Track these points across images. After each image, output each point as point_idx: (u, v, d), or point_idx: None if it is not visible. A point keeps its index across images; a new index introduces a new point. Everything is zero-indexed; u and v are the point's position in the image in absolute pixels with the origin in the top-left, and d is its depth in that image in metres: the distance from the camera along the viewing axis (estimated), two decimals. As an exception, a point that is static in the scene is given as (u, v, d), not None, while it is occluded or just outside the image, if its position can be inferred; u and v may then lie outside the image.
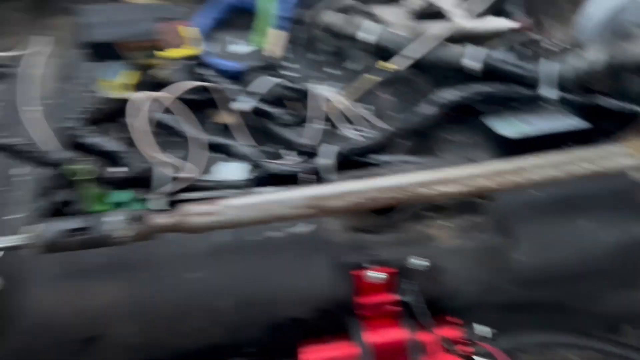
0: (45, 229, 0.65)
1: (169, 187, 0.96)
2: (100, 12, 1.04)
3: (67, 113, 1.20)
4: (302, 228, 0.75)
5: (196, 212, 0.66)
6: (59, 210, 0.87)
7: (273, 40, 1.23)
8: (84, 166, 0.85)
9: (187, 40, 1.04)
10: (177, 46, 1.04)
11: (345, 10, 1.24)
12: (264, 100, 1.13)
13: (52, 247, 0.65)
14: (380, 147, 1.03)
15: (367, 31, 1.16)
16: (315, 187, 0.72)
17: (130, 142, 1.00)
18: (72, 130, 0.95)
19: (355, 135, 1.10)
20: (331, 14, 1.24)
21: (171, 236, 0.69)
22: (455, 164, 0.73)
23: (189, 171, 1.00)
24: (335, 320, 0.74)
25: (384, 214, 0.79)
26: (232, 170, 1.14)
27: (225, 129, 1.16)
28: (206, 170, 1.03)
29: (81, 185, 0.86)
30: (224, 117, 1.17)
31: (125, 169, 0.92)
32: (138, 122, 0.98)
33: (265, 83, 1.14)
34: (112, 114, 1.09)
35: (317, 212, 0.68)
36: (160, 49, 1.06)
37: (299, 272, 0.73)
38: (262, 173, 1.02)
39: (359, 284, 0.72)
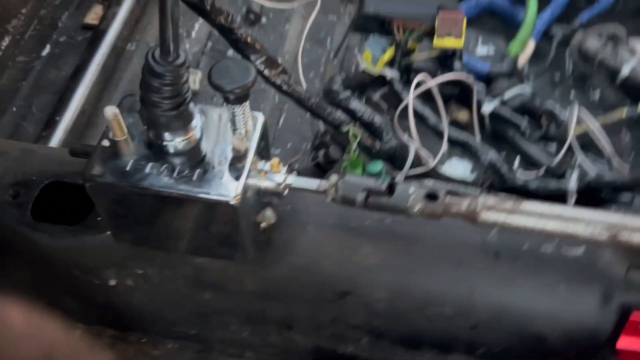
0: (345, 182, 0.67)
1: (411, 171, 0.98)
2: (383, -16, 1.06)
3: (326, 74, 1.25)
4: (574, 250, 0.73)
5: (493, 207, 0.66)
6: (320, 165, 0.91)
7: (523, 50, 1.21)
8: (355, 130, 0.88)
9: (460, 32, 1.04)
10: (448, 36, 1.04)
11: (609, 37, 1.19)
12: (507, 106, 1.11)
13: (347, 200, 0.68)
14: (632, 186, 0.98)
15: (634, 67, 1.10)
16: (614, 213, 0.69)
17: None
18: (337, 92, 0.98)
19: (598, 167, 1.05)
20: (592, 38, 1.19)
21: (447, 220, 0.70)
22: None
23: (426, 159, 1.00)
24: (586, 353, 0.72)
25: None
26: (458, 168, 1.14)
27: (462, 127, 1.16)
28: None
29: (348, 148, 0.89)
30: (464, 115, 1.17)
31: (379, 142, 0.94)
32: (405, 101, 0.99)
33: (513, 90, 1.12)
34: (364, 87, 1.12)
35: (612, 240, 0.66)
36: (431, 35, 1.07)
37: (563, 294, 0.72)
38: (503, 182, 1.00)
39: (630, 327, 0.69)
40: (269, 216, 0.74)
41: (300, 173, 0.97)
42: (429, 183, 1.03)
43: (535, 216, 0.65)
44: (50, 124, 1.11)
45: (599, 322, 0.72)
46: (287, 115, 1.17)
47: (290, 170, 0.99)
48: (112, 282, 0.81)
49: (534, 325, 0.73)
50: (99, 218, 0.75)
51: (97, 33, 1.25)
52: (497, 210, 0.66)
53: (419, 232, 0.74)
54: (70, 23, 1.34)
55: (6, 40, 1.30)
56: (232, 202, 0.61)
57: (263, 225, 0.74)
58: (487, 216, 0.66)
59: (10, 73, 1.26)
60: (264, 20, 1.36)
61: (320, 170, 0.91)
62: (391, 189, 0.67)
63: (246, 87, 0.59)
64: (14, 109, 1.21)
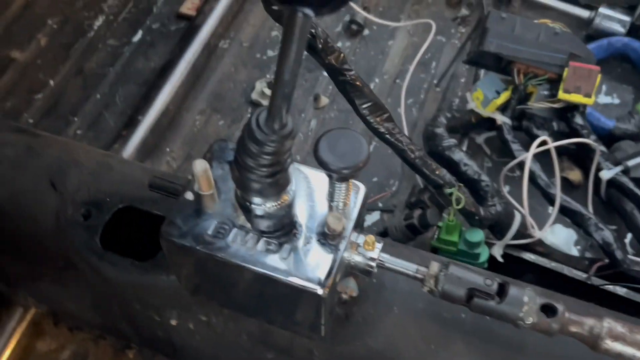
0: (447, 275, 0.58)
1: (512, 240, 0.87)
2: (509, 22, 0.94)
3: (426, 106, 1.15)
4: None
5: (621, 337, 0.55)
6: (414, 226, 0.81)
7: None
8: (459, 193, 0.78)
9: (591, 89, 0.90)
10: (576, 91, 0.91)
11: None
12: (629, 176, 0.98)
13: (448, 297, 0.58)
14: None
15: None
16: None
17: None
18: (441, 137, 0.88)
19: None
20: None
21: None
22: None
23: (532, 228, 0.89)
24: None
25: None
26: (561, 236, 1.02)
27: (571, 186, 1.03)
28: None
29: (447, 211, 0.79)
30: (576, 175, 1.04)
31: (482, 205, 0.84)
32: (518, 159, 0.88)
33: (639, 158, 0.98)
34: (468, 127, 1.01)
35: None
36: (555, 82, 0.94)
37: None
38: (612, 265, 0.88)
39: None
40: (351, 288, 0.66)
41: (389, 230, 0.88)
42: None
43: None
44: (131, 122, 1.06)
45: None
46: (377, 145, 1.08)
47: (373, 204, 0.90)
48: (174, 322, 0.76)
49: None
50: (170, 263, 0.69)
51: (191, 27, 1.19)
52: (626, 343, 0.55)
53: (526, 341, 0.64)
54: (165, 10, 1.28)
55: (99, 20, 1.26)
56: (319, 292, 0.53)
57: (344, 297, 0.66)
58: (612, 347, 0.55)
59: (100, 56, 1.22)
60: (366, 31, 1.26)
61: (413, 231, 0.82)
62: (502, 291, 0.58)
63: (357, 168, 0.50)
64: (98, 96, 1.18)
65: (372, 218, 1.01)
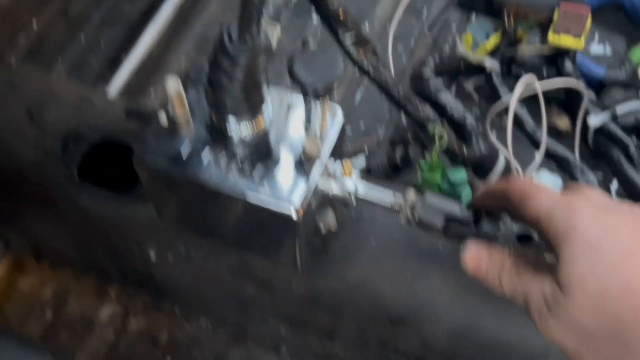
0: (424, 204, 0.57)
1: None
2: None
3: (416, 53, 1.13)
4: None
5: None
6: (395, 164, 0.81)
7: (648, 59, 1.04)
8: (442, 130, 0.77)
9: (581, 31, 0.89)
10: (566, 33, 0.90)
11: None
12: (617, 123, 0.97)
13: (424, 226, 0.58)
14: None
15: None
16: None
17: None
18: (427, 80, 0.87)
19: None
20: None
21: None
22: None
23: (516, 170, 0.88)
24: None
25: None
26: (547, 183, 1.01)
27: (559, 134, 1.02)
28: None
29: (430, 149, 0.79)
30: (564, 122, 1.03)
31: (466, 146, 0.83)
32: (504, 103, 0.87)
33: (628, 105, 0.97)
34: (456, 73, 1.00)
35: None
36: (545, 27, 0.92)
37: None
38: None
39: None
40: (330, 221, 0.66)
41: (372, 169, 0.87)
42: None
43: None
44: (115, 65, 1.05)
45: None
46: (365, 92, 1.06)
47: (358, 149, 0.89)
48: (153, 256, 0.76)
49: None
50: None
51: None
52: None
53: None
54: (152, -48, 1.25)
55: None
56: (293, 216, 0.53)
57: (322, 228, 0.66)
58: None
59: (84, -2, 1.19)
60: (356, -23, 1.23)
61: (395, 169, 0.81)
62: (478, 219, 0.57)
63: (330, 83, 0.49)
64: (82, 37, 1.15)
65: (358, 163, 1.00)
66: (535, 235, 0.57)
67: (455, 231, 0.57)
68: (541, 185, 0.48)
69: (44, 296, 0.90)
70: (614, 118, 0.96)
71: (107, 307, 0.89)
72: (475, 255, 0.51)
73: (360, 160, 1.01)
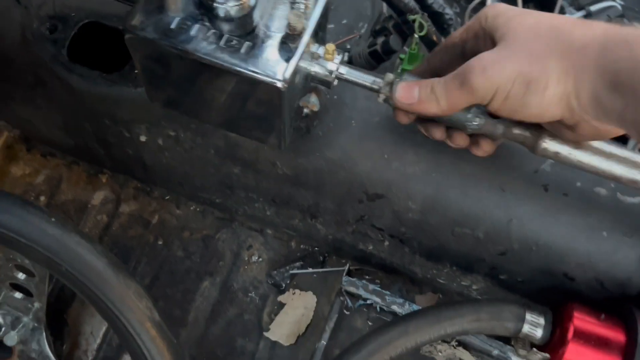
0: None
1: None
2: None
3: None
4: (630, 198, 0.68)
5: (555, 136, 0.60)
6: (376, 53, 0.83)
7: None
8: (422, 20, 0.79)
9: None
10: None
11: None
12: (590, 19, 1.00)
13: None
14: None
15: None
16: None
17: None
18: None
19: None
20: None
21: (504, 143, 0.64)
22: None
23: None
24: (612, 302, 0.70)
25: None
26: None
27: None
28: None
29: (410, 39, 0.81)
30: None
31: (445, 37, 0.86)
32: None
33: (602, 2, 1.00)
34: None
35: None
36: None
37: (604, 240, 0.68)
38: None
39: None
40: (312, 103, 0.69)
41: (353, 58, 0.90)
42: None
43: (602, 155, 0.60)
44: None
45: (633, 275, 0.68)
46: (348, -14, 1.07)
47: (342, 49, 0.92)
48: (143, 138, 0.79)
49: (565, 264, 0.71)
50: (137, 71, 0.71)
51: None
52: (562, 142, 0.60)
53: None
54: None
55: None
56: (279, 85, 0.56)
57: (305, 111, 0.69)
58: (549, 145, 0.60)
59: None
60: None
61: (376, 59, 0.84)
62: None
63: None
64: None
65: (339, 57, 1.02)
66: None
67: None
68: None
69: (37, 183, 0.94)
70: (588, 16, 0.99)
71: (99, 193, 0.93)
72: (406, 88, 0.57)
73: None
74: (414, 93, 0.57)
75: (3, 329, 0.76)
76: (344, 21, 1.08)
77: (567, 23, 0.51)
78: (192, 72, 0.60)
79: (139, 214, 0.93)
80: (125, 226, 0.92)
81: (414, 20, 0.79)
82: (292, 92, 0.60)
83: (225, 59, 0.56)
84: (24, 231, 0.59)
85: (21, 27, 0.75)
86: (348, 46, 1.03)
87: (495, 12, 0.54)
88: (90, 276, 0.58)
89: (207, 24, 0.58)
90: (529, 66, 0.50)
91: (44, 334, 0.77)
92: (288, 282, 0.88)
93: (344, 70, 0.63)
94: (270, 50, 0.57)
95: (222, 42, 0.57)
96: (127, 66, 0.72)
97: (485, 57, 0.52)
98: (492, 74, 0.51)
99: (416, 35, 0.79)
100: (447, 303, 0.72)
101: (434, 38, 0.82)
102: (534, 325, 0.71)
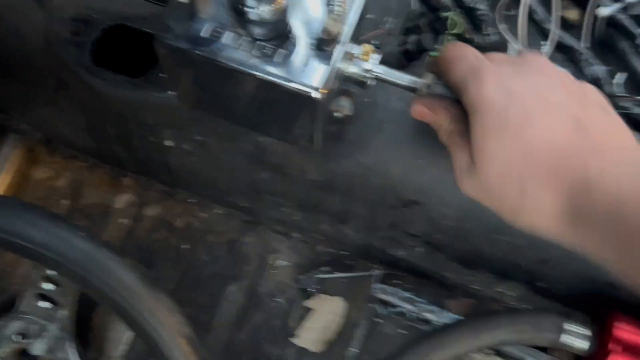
0: (443, 84, 0.58)
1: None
2: None
3: None
4: None
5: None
6: (408, 52, 0.81)
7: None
8: (456, 17, 0.76)
9: None
10: None
11: None
12: (627, 13, 0.96)
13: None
14: None
15: None
16: None
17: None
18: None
19: None
20: None
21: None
22: None
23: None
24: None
25: None
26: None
27: (568, 26, 1.02)
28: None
29: (443, 37, 0.78)
30: (574, 13, 1.02)
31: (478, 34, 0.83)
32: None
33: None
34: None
35: None
36: None
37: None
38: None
39: None
40: (345, 106, 0.67)
41: (384, 58, 0.87)
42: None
43: None
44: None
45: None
46: (373, -19, 1.03)
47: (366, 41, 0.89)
48: (168, 143, 0.77)
49: (610, 273, 0.68)
50: (163, 75, 0.69)
51: None
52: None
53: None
54: None
55: None
56: (315, 95, 0.54)
57: (337, 114, 0.67)
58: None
59: None
60: None
61: (408, 58, 0.81)
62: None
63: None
64: None
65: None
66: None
67: None
68: (466, 49, 0.50)
69: (59, 187, 0.93)
70: (625, 9, 0.95)
71: (122, 196, 0.92)
72: (419, 110, 0.54)
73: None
74: (425, 117, 0.56)
75: (29, 338, 0.75)
76: (369, 16, 1.05)
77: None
78: (224, 79, 0.58)
79: (163, 218, 0.91)
80: (149, 230, 0.91)
81: (447, 18, 0.76)
82: (328, 98, 0.58)
83: (259, 68, 0.54)
84: (53, 247, 0.57)
85: (44, 30, 0.73)
86: (374, 42, 1.00)
87: (467, 82, 0.49)
88: (121, 292, 0.57)
89: (239, 29, 0.56)
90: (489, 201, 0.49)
91: (71, 342, 0.76)
92: (316, 287, 0.86)
93: (381, 70, 0.60)
94: (306, 58, 0.55)
95: (254, 49, 0.55)
96: (153, 70, 0.70)
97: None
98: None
99: (450, 32, 0.76)
100: (484, 313, 0.70)
101: (468, 36, 0.79)
102: (574, 335, 0.69)
